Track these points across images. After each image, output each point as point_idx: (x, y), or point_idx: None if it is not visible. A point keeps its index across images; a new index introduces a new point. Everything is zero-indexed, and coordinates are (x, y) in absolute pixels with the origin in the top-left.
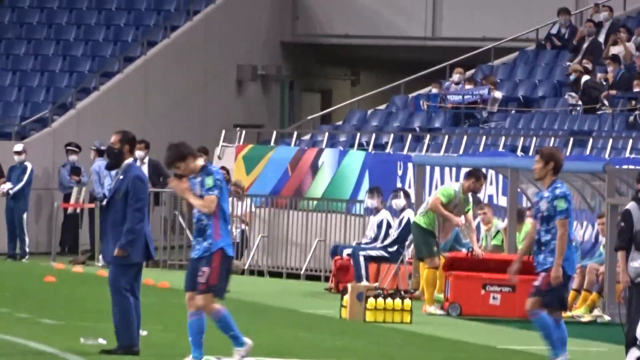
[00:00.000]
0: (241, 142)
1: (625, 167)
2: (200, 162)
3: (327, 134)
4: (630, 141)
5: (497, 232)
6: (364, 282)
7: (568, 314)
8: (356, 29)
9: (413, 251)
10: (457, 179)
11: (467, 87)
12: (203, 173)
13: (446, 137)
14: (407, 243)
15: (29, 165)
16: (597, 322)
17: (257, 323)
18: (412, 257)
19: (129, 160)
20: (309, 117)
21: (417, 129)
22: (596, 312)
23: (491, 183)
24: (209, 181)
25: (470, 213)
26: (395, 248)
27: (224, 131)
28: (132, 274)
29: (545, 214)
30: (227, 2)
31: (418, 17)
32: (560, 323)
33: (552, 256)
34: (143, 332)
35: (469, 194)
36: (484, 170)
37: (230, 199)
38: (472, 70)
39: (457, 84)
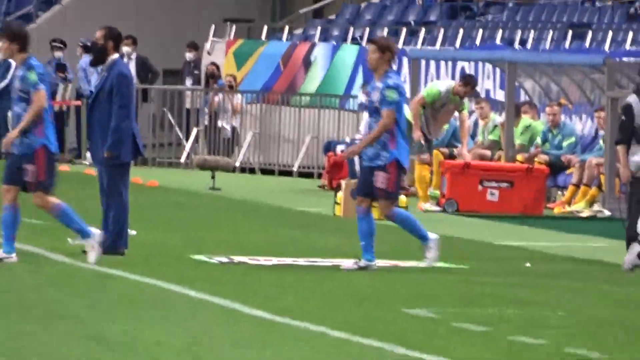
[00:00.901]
0: (231, 37)
1: (625, 59)
2: (23, 54)
3: (319, 28)
4: (631, 33)
5: (495, 126)
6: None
7: (567, 208)
8: None
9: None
10: (452, 74)
11: None
12: (25, 67)
13: (442, 30)
14: None
15: (12, 62)
16: (597, 217)
17: (250, 222)
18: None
19: (114, 56)
20: (300, 11)
21: (412, 22)
22: (596, 207)
23: (488, 77)
24: (33, 76)
25: (465, 112)
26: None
27: (213, 26)
28: (123, 171)
29: (377, 105)
30: None
31: None
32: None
33: (386, 150)
34: (132, 232)
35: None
36: (480, 64)
37: (221, 94)
38: None
39: None
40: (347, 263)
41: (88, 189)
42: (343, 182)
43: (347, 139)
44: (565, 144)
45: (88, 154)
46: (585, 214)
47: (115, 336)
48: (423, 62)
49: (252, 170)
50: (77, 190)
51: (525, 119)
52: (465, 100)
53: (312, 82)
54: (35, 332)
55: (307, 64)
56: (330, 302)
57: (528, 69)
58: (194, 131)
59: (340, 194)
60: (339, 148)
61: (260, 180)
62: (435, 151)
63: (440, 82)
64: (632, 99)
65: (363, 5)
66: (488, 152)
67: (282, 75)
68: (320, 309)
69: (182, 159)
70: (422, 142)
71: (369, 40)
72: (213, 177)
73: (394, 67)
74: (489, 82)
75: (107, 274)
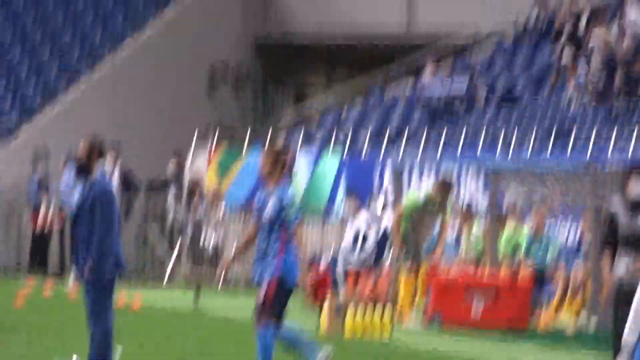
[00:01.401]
0: (214, 145)
1: (608, 164)
2: None
3: (302, 134)
4: (614, 134)
5: (477, 238)
6: (343, 293)
7: (553, 321)
8: (330, 25)
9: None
10: (436, 178)
11: (445, 80)
12: None
13: (424, 134)
14: (386, 250)
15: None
16: (583, 331)
17: (238, 344)
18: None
19: (97, 169)
20: (282, 118)
21: (394, 127)
22: (582, 316)
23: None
24: None
25: (447, 219)
26: (374, 255)
27: (196, 132)
28: (106, 290)
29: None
30: (196, 1)
31: (393, 11)
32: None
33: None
34: (117, 350)
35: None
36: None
37: (204, 206)
38: (449, 62)
39: (432, 75)
40: None
41: (73, 308)
42: (327, 298)
43: (331, 252)
44: (550, 254)
45: (72, 274)
46: (571, 327)
47: None
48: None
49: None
50: (62, 308)
51: (509, 229)
52: (448, 207)
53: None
54: None
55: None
56: None
57: (511, 174)
58: (178, 243)
59: (324, 310)
60: (323, 261)
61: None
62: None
63: (417, 191)
64: (615, 205)
65: (345, 110)
66: (472, 267)
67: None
68: None
69: (167, 274)
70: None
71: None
72: (197, 295)
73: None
74: (472, 186)
75: None
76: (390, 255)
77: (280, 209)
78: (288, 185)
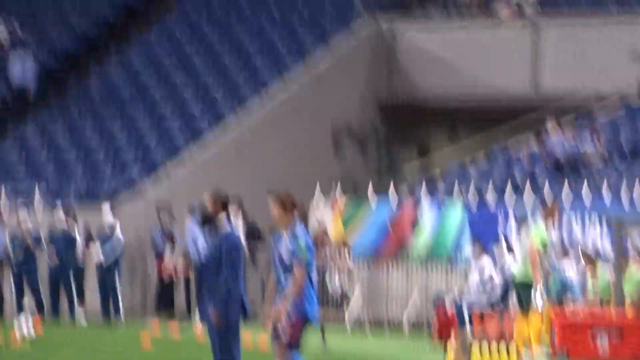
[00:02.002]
0: (339, 200)
1: None
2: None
3: (424, 188)
4: None
5: (604, 282)
6: (469, 332)
7: None
8: (454, 88)
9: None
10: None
11: (570, 138)
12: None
13: (547, 186)
14: (510, 292)
15: (120, 237)
16: None
17: None
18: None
19: (224, 222)
20: (407, 173)
21: (519, 182)
22: None
23: (594, 228)
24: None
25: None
26: (498, 296)
27: (318, 184)
28: (233, 333)
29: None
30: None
31: (518, 73)
32: None
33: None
34: None
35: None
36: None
37: (330, 253)
38: (573, 121)
39: (552, 136)
40: None
41: (200, 353)
42: (452, 337)
43: (456, 292)
44: None
45: (197, 317)
46: None
47: None
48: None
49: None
50: (190, 354)
51: (634, 272)
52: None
53: (420, 241)
54: None
55: (414, 223)
56: None
57: (633, 223)
58: None
59: (450, 348)
60: (448, 302)
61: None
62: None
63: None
64: None
65: (469, 164)
66: (597, 307)
67: (391, 236)
68: None
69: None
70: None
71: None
72: (323, 339)
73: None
74: (594, 233)
75: None
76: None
77: (294, 251)
78: (301, 229)
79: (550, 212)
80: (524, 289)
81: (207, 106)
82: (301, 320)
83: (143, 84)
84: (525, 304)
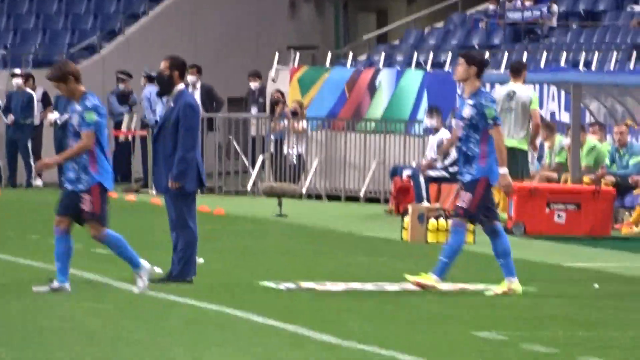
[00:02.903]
0: (296, 65)
1: None
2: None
3: (383, 53)
4: None
5: (561, 149)
6: (425, 203)
7: (635, 229)
8: None
9: None
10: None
11: (527, 3)
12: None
13: (506, 53)
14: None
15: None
16: None
17: (317, 248)
18: None
19: (180, 86)
20: (364, 37)
21: (476, 46)
22: None
23: (553, 99)
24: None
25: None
26: (455, 168)
27: (277, 53)
28: (189, 202)
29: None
30: None
31: None
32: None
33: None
34: (200, 260)
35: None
36: (545, 86)
37: (286, 121)
38: None
39: (510, 0)
40: (41, 287)
41: (155, 218)
42: (410, 207)
43: (414, 164)
44: (632, 162)
45: (154, 185)
46: None
47: None
48: (488, 86)
49: (318, 197)
50: (145, 219)
51: (590, 141)
52: (532, 95)
53: (377, 107)
54: (98, 359)
55: (371, 89)
56: (398, 325)
57: (593, 91)
58: (260, 159)
59: (407, 219)
60: (405, 173)
61: (327, 206)
62: None
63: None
64: None
65: (427, 30)
66: (555, 175)
67: (348, 102)
68: (388, 332)
69: (249, 187)
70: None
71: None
72: (280, 204)
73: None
74: (554, 104)
75: (174, 302)
76: None
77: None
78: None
79: (521, 74)
80: (522, 155)
81: None
82: (99, 190)
83: None
84: (524, 171)
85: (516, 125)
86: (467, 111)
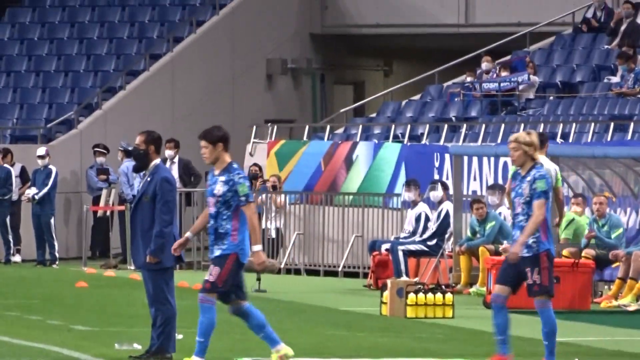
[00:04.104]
0: (273, 138)
1: None
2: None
3: (360, 126)
4: None
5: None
6: (404, 278)
7: (614, 303)
8: (387, 18)
9: (452, 244)
10: (495, 169)
11: (503, 74)
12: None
13: (483, 126)
14: (446, 236)
15: (53, 168)
16: None
17: (296, 322)
18: (452, 251)
19: (156, 161)
20: (341, 110)
21: (453, 118)
22: None
23: None
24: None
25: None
26: (434, 241)
27: (254, 127)
28: (167, 277)
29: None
30: None
31: (451, 3)
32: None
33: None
34: (179, 336)
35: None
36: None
37: (264, 195)
38: (508, 57)
39: (487, 72)
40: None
41: (134, 293)
42: (389, 281)
43: (392, 237)
44: (614, 235)
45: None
46: (633, 307)
47: None
48: (465, 158)
49: (297, 271)
50: (123, 295)
51: (569, 214)
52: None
53: (354, 180)
54: None
55: (348, 162)
56: None
57: (571, 163)
58: None
59: (386, 293)
60: (384, 247)
61: (306, 281)
62: (481, 248)
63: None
64: None
65: (404, 102)
66: None
67: (324, 175)
68: None
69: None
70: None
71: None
72: (258, 280)
73: None
74: None
75: None
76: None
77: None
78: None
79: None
80: None
81: (144, 45)
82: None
83: (80, 23)
84: None
85: None
86: (219, 188)
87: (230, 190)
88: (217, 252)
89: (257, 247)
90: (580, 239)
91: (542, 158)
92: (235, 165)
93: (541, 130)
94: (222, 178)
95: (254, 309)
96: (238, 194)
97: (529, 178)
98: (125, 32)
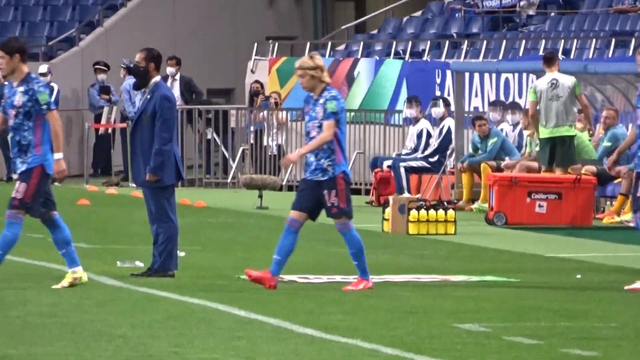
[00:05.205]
0: (274, 55)
1: None
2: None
3: (362, 43)
4: None
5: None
6: (406, 194)
7: (617, 218)
8: None
9: (454, 161)
10: (497, 85)
11: None
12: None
13: (484, 42)
14: (448, 152)
15: (55, 86)
16: None
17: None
18: (454, 167)
19: (156, 78)
20: (342, 27)
21: (455, 35)
22: None
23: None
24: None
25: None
26: (436, 158)
27: (256, 44)
28: (168, 195)
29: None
30: None
31: None
32: None
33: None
34: (181, 253)
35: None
36: (524, 75)
37: (266, 111)
38: None
39: None
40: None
41: (137, 211)
42: (390, 198)
43: (394, 154)
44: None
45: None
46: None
47: (162, 354)
48: (467, 75)
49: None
50: (125, 212)
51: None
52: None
53: (355, 97)
54: (81, 354)
55: (350, 79)
56: (380, 318)
57: None
58: (240, 150)
59: (388, 210)
60: (386, 164)
61: None
62: (483, 164)
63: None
64: None
65: (405, 19)
66: (535, 164)
67: None
68: (370, 325)
69: (229, 179)
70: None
71: None
72: (260, 196)
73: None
74: None
75: (156, 296)
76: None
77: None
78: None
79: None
80: (571, 142)
81: None
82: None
83: None
84: (572, 159)
85: (565, 112)
86: (19, 99)
87: (30, 100)
88: (23, 167)
89: (58, 155)
90: (582, 155)
91: (556, 74)
92: (33, 75)
93: (542, 46)
94: (21, 89)
95: (63, 223)
96: (39, 102)
97: (321, 101)
98: None
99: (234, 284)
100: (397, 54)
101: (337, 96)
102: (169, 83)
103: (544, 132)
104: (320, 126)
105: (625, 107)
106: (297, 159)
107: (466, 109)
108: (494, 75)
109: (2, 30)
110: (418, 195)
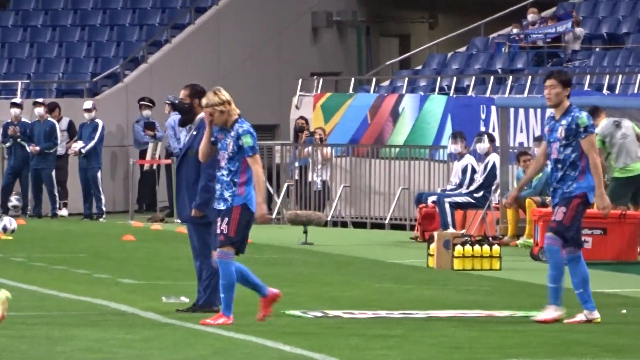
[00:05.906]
0: (319, 91)
1: None
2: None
3: (406, 79)
4: None
5: None
6: (451, 230)
7: None
8: None
9: (499, 196)
10: (542, 121)
11: (550, 22)
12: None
13: (529, 77)
14: (493, 188)
15: (99, 122)
16: None
17: (343, 275)
18: (499, 203)
19: (202, 114)
20: (387, 63)
21: (499, 70)
22: None
23: None
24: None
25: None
26: (481, 193)
27: (300, 80)
28: (211, 232)
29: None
30: None
31: None
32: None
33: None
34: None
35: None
36: None
37: (310, 147)
38: (553, 8)
39: (532, 24)
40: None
41: (181, 246)
42: (435, 234)
43: (438, 190)
44: None
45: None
46: None
47: None
48: (512, 110)
49: (344, 224)
50: (170, 248)
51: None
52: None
53: (400, 133)
54: None
55: (395, 115)
56: (425, 352)
57: (617, 114)
58: (285, 186)
59: (432, 246)
60: (430, 199)
61: (353, 233)
62: (527, 200)
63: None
64: None
65: (449, 54)
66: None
67: (370, 127)
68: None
69: (274, 215)
70: None
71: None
72: (305, 232)
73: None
74: None
75: (202, 331)
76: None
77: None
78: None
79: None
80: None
81: None
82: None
83: None
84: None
85: (636, 150)
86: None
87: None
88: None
89: None
90: None
91: (602, 121)
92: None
93: (587, 81)
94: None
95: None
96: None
97: (232, 133)
98: None
99: (279, 319)
100: (441, 89)
101: (250, 129)
102: None
103: (621, 172)
104: (230, 158)
105: None
106: (264, 212)
107: (511, 144)
108: (538, 110)
109: (46, 66)
110: (463, 231)
